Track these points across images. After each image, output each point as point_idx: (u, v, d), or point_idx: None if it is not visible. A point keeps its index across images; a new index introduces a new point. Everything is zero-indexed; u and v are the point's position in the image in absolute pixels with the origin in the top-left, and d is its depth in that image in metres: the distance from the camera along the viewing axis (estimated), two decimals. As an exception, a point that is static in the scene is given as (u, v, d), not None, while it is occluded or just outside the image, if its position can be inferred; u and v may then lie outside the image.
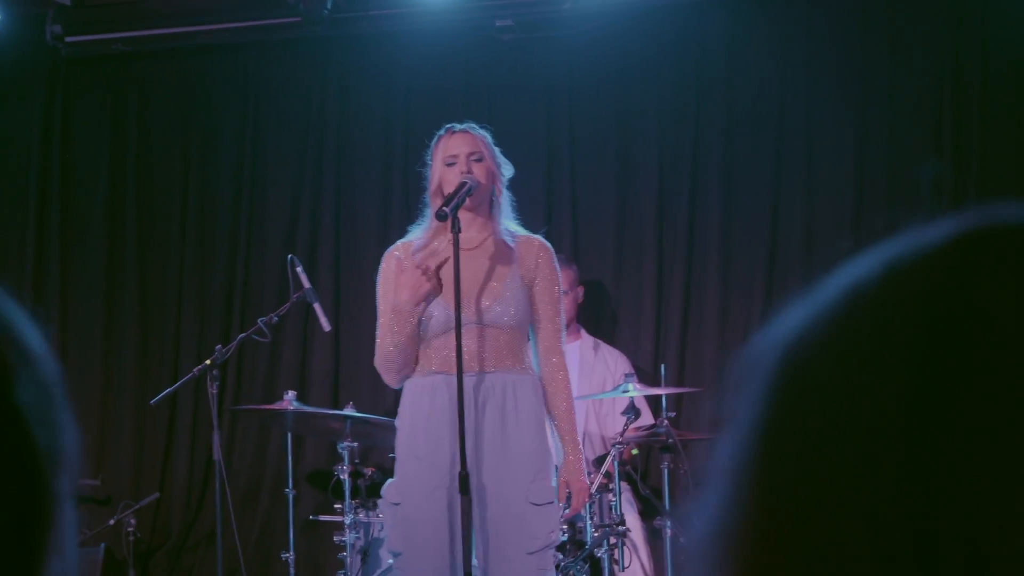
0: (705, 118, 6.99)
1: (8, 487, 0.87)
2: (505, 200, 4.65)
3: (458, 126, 4.62)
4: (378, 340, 4.63)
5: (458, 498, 4.28)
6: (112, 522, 6.67)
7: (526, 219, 4.83)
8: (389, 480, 4.64)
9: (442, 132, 4.63)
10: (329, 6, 6.71)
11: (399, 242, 4.72)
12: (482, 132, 4.64)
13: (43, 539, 0.90)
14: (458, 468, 4.26)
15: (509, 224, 4.65)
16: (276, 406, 6.04)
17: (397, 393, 6.88)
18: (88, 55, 7.31)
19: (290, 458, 6.29)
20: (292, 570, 6.09)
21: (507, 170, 4.66)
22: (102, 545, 6.62)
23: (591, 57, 7.04)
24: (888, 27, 6.79)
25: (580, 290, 6.55)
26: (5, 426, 0.88)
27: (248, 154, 7.43)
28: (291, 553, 6.11)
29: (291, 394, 6.03)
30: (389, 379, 4.66)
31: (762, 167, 6.91)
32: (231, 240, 7.41)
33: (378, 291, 4.70)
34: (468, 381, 4.37)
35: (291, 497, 6.16)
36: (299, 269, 5.83)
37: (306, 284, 5.83)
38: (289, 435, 6.32)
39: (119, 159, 7.55)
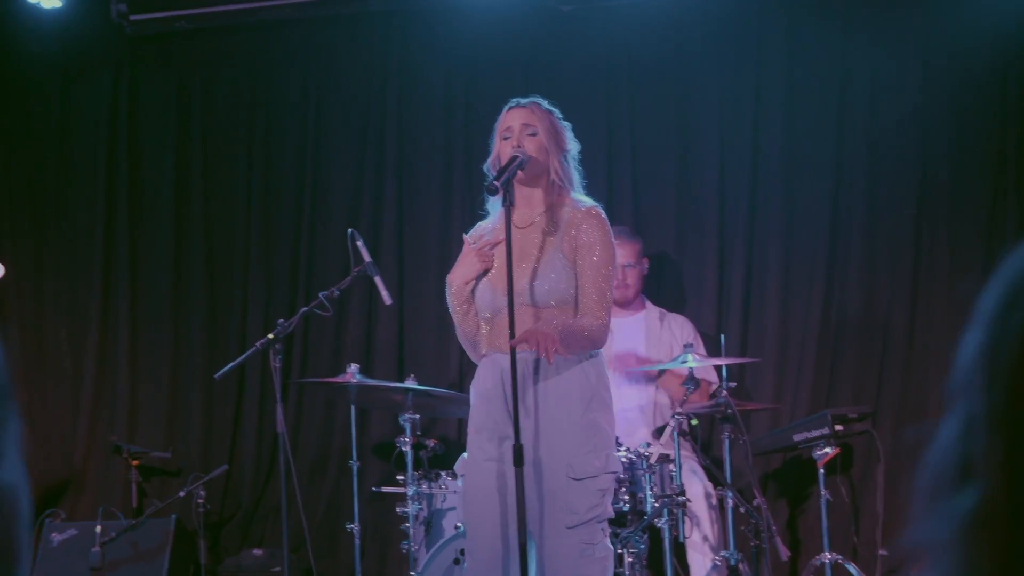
0: (766, 88, 6.95)
1: None
2: (568, 176, 4.60)
3: (522, 100, 4.61)
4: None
5: (509, 471, 4.30)
6: (182, 494, 6.76)
7: (586, 191, 4.80)
8: (463, 455, 4.71)
9: (506, 107, 4.62)
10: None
11: (478, 225, 4.74)
12: (546, 108, 4.60)
13: None
14: (510, 441, 4.28)
15: (574, 196, 4.62)
16: (339, 379, 6.09)
17: (460, 365, 6.99)
18: (152, 33, 7.39)
19: (354, 430, 6.35)
20: (357, 541, 6.15)
21: (571, 146, 4.64)
22: (173, 516, 6.72)
23: (651, 29, 7.02)
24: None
25: (645, 263, 6.56)
26: None
27: (311, 128, 7.48)
28: (356, 524, 6.17)
29: (354, 367, 6.09)
30: (469, 354, 4.70)
31: (824, 138, 6.86)
32: (295, 214, 7.48)
33: None
34: (520, 358, 4.38)
35: (355, 469, 6.22)
36: (359, 243, 5.85)
37: (366, 258, 5.86)
38: (353, 408, 6.38)
39: (185, 135, 7.64)
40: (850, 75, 6.84)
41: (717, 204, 6.97)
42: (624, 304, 6.39)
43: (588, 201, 4.57)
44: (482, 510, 4.47)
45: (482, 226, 4.70)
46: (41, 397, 7.69)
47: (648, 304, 6.58)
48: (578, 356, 4.41)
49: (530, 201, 4.55)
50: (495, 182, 4.34)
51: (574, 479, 4.33)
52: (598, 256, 4.45)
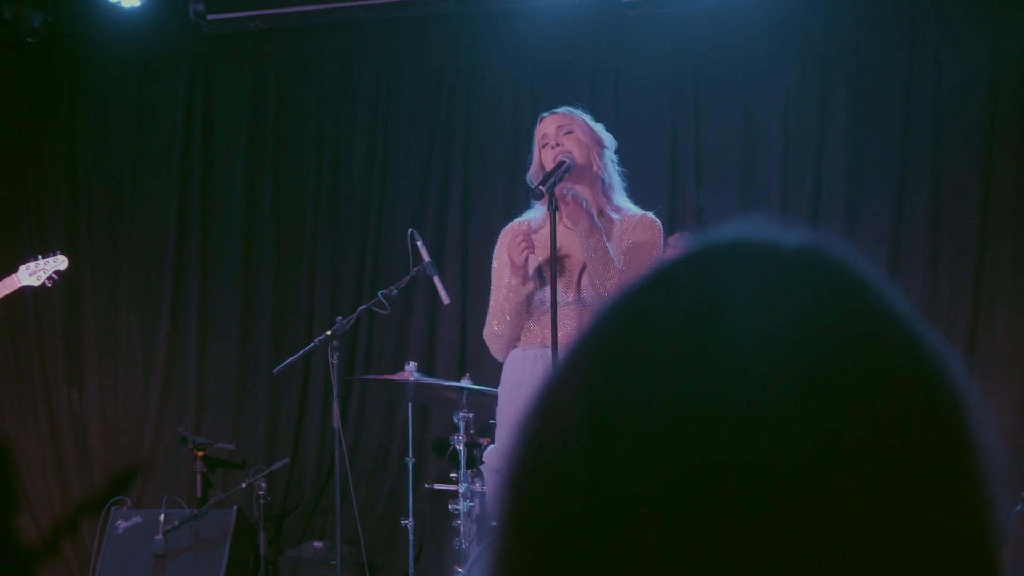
0: (831, 92, 6.92)
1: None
2: (611, 176, 4.66)
3: (555, 110, 4.68)
4: (488, 314, 4.72)
5: None
6: (244, 485, 6.88)
7: (650, 196, 4.84)
8: (490, 447, 4.73)
9: (539, 119, 4.71)
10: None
11: (515, 221, 4.79)
12: (576, 111, 4.67)
13: None
14: None
15: (621, 200, 4.67)
16: (397, 376, 6.17)
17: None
18: (228, 32, 7.54)
19: (410, 427, 6.43)
20: (411, 536, 6.23)
21: (609, 142, 4.68)
22: (234, 507, 6.84)
23: (717, 33, 7.02)
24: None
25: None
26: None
27: (380, 128, 7.58)
28: (410, 520, 6.25)
29: (412, 365, 6.16)
30: (494, 351, 4.75)
31: (889, 144, 6.83)
32: (363, 213, 7.58)
33: (493, 266, 4.77)
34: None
35: (411, 465, 6.30)
36: (419, 243, 5.93)
37: (426, 258, 5.93)
38: (410, 405, 6.45)
39: (258, 132, 7.77)
40: (916, 82, 6.80)
41: (779, 210, 6.96)
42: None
43: (640, 209, 4.63)
44: None
45: (526, 219, 4.74)
46: (112, 387, 7.86)
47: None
48: None
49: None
50: (541, 187, 4.40)
51: None
52: (644, 253, 4.51)
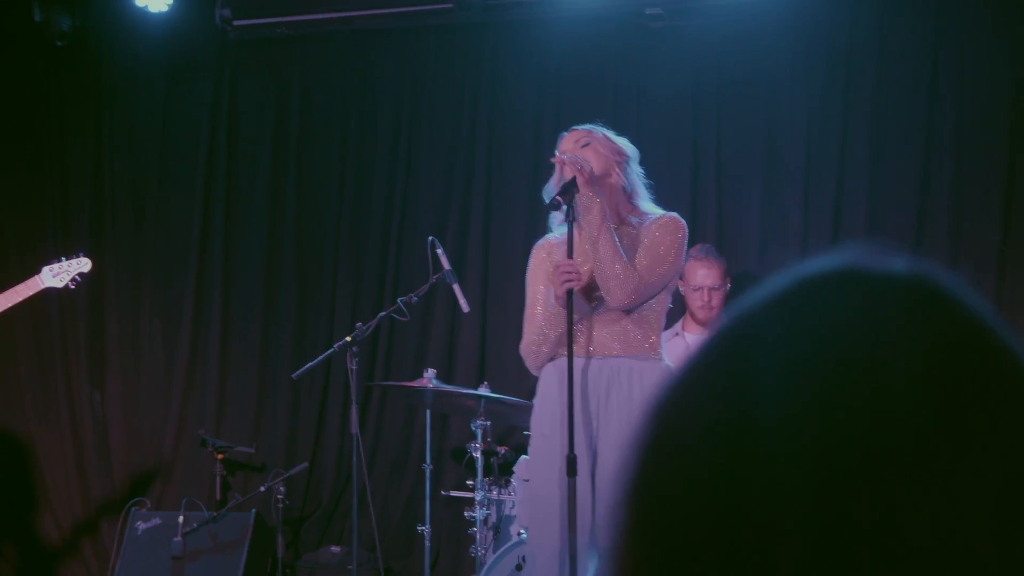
0: (854, 105, 6.92)
1: None
2: (633, 184, 4.69)
3: (575, 127, 4.72)
4: (524, 328, 4.73)
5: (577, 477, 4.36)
6: (263, 488, 6.91)
7: (671, 208, 4.83)
8: (523, 456, 4.76)
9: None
10: (480, -8, 6.85)
11: (545, 237, 4.81)
12: (596, 127, 4.71)
13: None
14: (582, 445, 4.35)
15: (646, 207, 4.69)
16: (415, 383, 6.19)
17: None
18: (254, 38, 7.58)
19: (428, 434, 6.46)
20: (427, 543, 6.26)
21: (631, 152, 4.71)
22: (253, 510, 6.87)
23: (740, 45, 7.03)
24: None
25: (729, 283, 6.45)
26: None
27: (403, 136, 7.62)
28: (427, 526, 6.28)
29: (431, 372, 6.19)
30: (531, 366, 4.76)
31: (910, 157, 6.82)
32: (385, 219, 7.61)
33: (527, 281, 4.79)
34: (595, 366, 4.46)
35: (428, 472, 6.33)
36: (439, 251, 5.96)
37: (446, 265, 5.96)
38: (428, 412, 6.48)
39: (282, 138, 7.82)
40: (938, 93, 6.79)
41: (800, 222, 6.96)
42: (709, 327, 6.35)
43: (661, 210, 4.65)
44: (546, 518, 4.54)
45: (549, 240, 4.77)
46: (134, 389, 7.92)
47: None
48: (659, 367, 4.48)
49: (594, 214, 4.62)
50: (558, 196, 4.42)
51: None
52: (662, 251, 4.53)
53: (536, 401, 4.68)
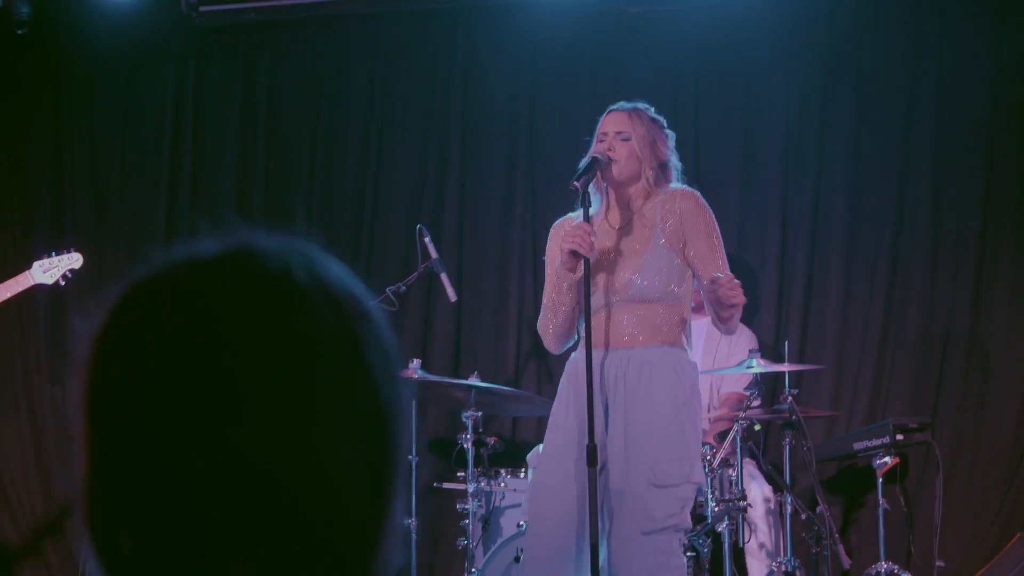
0: (833, 96, 6.94)
1: (363, 438, 1.03)
2: (666, 174, 4.64)
3: (626, 104, 4.64)
4: (542, 308, 4.70)
5: (584, 469, 4.31)
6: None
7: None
8: (537, 447, 4.72)
9: (608, 109, 4.67)
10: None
11: (566, 216, 4.76)
12: (649, 115, 4.65)
13: (390, 483, 1.07)
14: (586, 439, 4.29)
15: (668, 188, 4.63)
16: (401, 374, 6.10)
17: (517, 362, 7.01)
18: (221, 24, 7.44)
19: (414, 426, 6.37)
20: (414, 536, 6.18)
21: (671, 157, 4.67)
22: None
23: (718, 33, 7.02)
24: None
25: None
26: (362, 385, 1.03)
27: (375, 123, 7.51)
28: (413, 519, 6.20)
29: (416, 363, 6.12)
30: (548, 344, 4.70)
31: (890, 145, 6.85)
32: (357, 208, 7.50)
33: (545, 261, 4.74)
34: (615, 356, 4.42)
35: (414, 464, 6.24)
36: (427, 239, 5.91)
37: (433, 254, 5.91)
38: (414, 403, 6.40)
39: (249, 126, 7.68)
40: (918, 83, 6.83)
41: (780, 211, 6.96)
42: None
43: (679, 185, 4.60)
44: (550, 506, 4.49)
45: (569, 218, 4.70)
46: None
47: (711, 309, 6.56)
48: (678, 354, 4.44)
49: (625, 203, 4.57)
50: (575, 183, 4.37)
51: (656, 485, 4.32)
52: (713, 235, 4.53)
53: (560, 391, 4.62)
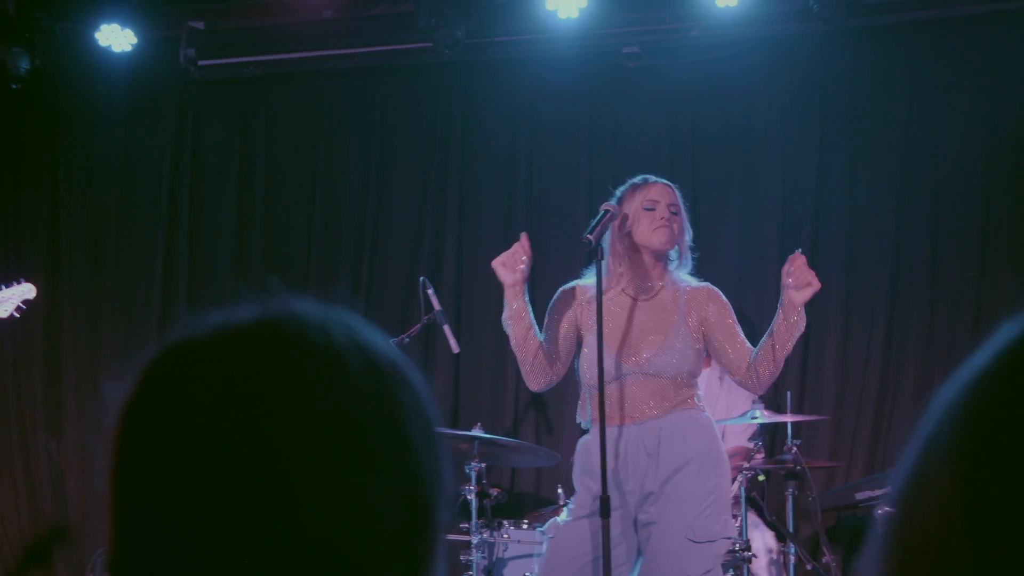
0: (829, 147, 6.99)
1: (397, 507, 0.98)
2: (688, 258, 4.70)
3: (662, 179, 4.67)
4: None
5: (626, 542, 4.39)
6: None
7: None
8: (553, 519, 4.73)
9: (638, 180, 4.66)
10: (461, 31, 6.80)
11: (577, 281, 4.76)
12: (675, 188, 4.69)
13: (427, 563, 1.00)
14: (643, 517, 4.37)
15: (683, 275, 4.68)
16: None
17: (515, 413, 7.01)
18: (219, 78, 7.47)
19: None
20: (416, 587, 6.15)
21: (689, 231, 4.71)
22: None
23: (716, 85, 7.07)
24: (1020, 59, 6.77)
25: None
26: (399, 455, 0.99)
27: (373, 176, 7.54)
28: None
29: (417, 414, 6.10)
30: (529, 383, 4.68)
31: (887, 195, 6.90)
32: (354, 261, 7.52)
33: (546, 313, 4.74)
34: (632, 429, 4.43)
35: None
36: (430, 291, 5.92)
37: (436, 306, 5.92)
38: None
39: (247, 180, 7.70)
40: (914, 140, 6.89)
41: (777, 259, 6.99)
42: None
43: (696, 280, 4.68)
44: (567, 560, 4.48)
45: (581, 284, 4.71)
46: (94, 437, 7.70)
47: (712, 362, 6.59)
48: (699, 414, 4.47)
49: (645, 274, 4.59)
50: (588, 236, 4.37)
51: (694, 541, 4.33)
52: (732, 323, 4.59)
53: (576, 465, 4.63)
